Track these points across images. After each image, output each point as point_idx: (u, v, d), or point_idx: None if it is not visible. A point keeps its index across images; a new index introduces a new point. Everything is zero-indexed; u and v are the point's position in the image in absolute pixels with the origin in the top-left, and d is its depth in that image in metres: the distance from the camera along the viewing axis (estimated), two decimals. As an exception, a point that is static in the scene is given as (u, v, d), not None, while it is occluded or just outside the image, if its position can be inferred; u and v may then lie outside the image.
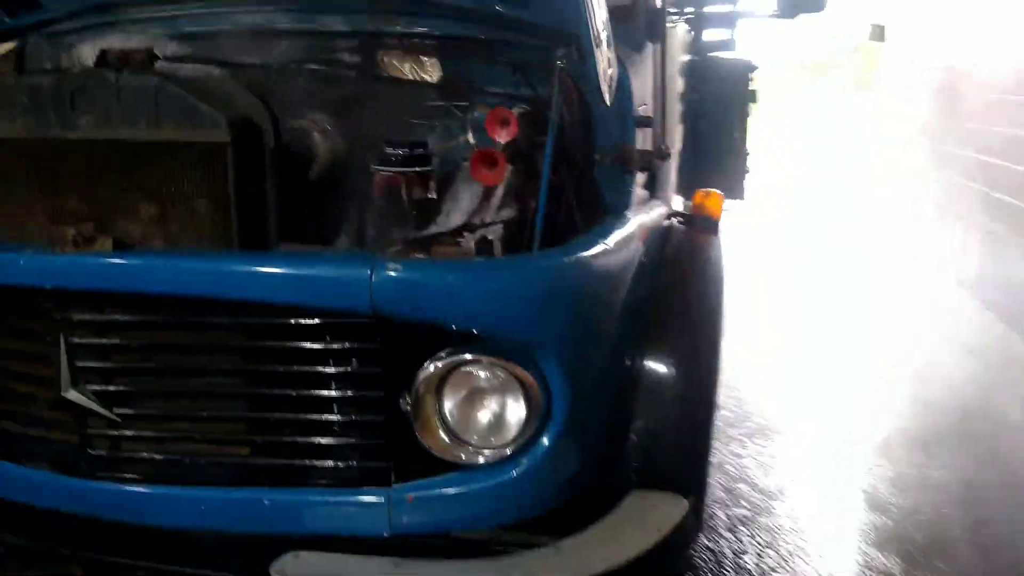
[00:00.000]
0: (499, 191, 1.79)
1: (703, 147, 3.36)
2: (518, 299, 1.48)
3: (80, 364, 1.55)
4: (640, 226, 2.00)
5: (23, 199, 1.61)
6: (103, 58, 1.63)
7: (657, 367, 1.87)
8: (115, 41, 1.89)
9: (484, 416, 1.55)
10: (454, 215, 1.80)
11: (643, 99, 2.04)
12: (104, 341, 1.55)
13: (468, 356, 1.48)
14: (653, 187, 2.32)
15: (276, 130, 1.60)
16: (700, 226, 2.28)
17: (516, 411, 1.53)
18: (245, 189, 1.54)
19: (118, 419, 1.57)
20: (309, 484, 1.58)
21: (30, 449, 1.66)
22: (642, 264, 1.96)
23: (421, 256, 1.49)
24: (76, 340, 1.54)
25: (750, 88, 3.64)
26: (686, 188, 3.26)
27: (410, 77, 2.03)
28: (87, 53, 1.93)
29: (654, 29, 2.21)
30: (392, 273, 1.41)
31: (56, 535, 1.68)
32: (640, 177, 2.18)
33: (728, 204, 4.37)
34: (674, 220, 2.29)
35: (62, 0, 2.11)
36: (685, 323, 1.97)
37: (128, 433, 1.59)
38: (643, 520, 1.65)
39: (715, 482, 3.09)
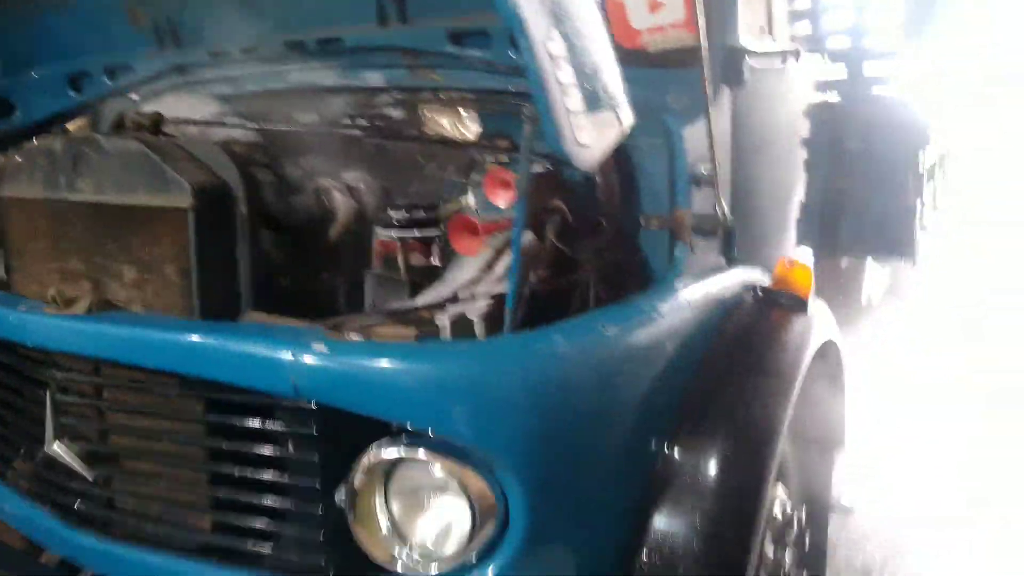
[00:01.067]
0: (503, 260, 1.61)
1: (851, 202, 2.89)
2: (456, 394, 1.27)
3: (63, 421, 1.58)
4: (690, 299, 1.71)
5: (40, 257, 1.70)
6: (119, 122, 1.69)
7: (684, 459, 1.57)
8: (169, 103, 1.97)
9: (430, 521, 1.36)
10: (453, 285, 1.64)
11: (707, 155, 1.74)
12: (80, 400, 1.57)
13: (403, 452, 1.31)
14: (730, 252, 1.99)
15: (254, 196, 1.54)
16: (782, 302, 1.91)
17: (461, 518, 1.33)
18: (210, 255, 1.49)
19: (92, 478, 1.58)
20: (257, 568, 1.48)
21: (37, 490, 1.72)
22: (687, 341, 1.67)
23: (355, 337, 1.34)
24: (59, 397, 1.58)
25: (922, 131, 3.09)
26: (821, 249, 2.82)
27: (449, 132, 1.92)
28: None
29: (731, 73, 1.91)
30: (315, 356, 1.28)
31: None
32: (708, 242, 1.88)
33: (889, 269, 3.76)
34: (754, 292, 1.94)
35: (149, 64, 2.26)
36: (729, 418, 1.64)
37: (102, 492, 1.59)
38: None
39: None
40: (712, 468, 1.58)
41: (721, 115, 1.89)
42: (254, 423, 1.40)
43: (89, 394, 1.56)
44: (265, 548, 1.46)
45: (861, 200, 2.85)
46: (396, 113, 2.00)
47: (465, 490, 1.30)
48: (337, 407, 1.31)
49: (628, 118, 1.49)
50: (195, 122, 1.86)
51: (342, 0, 1.88)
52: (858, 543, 3.30)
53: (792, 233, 2.60)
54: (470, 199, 1.65)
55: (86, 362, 1.54)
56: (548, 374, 1.35)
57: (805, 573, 2.13)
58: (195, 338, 1.36)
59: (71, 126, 2.23)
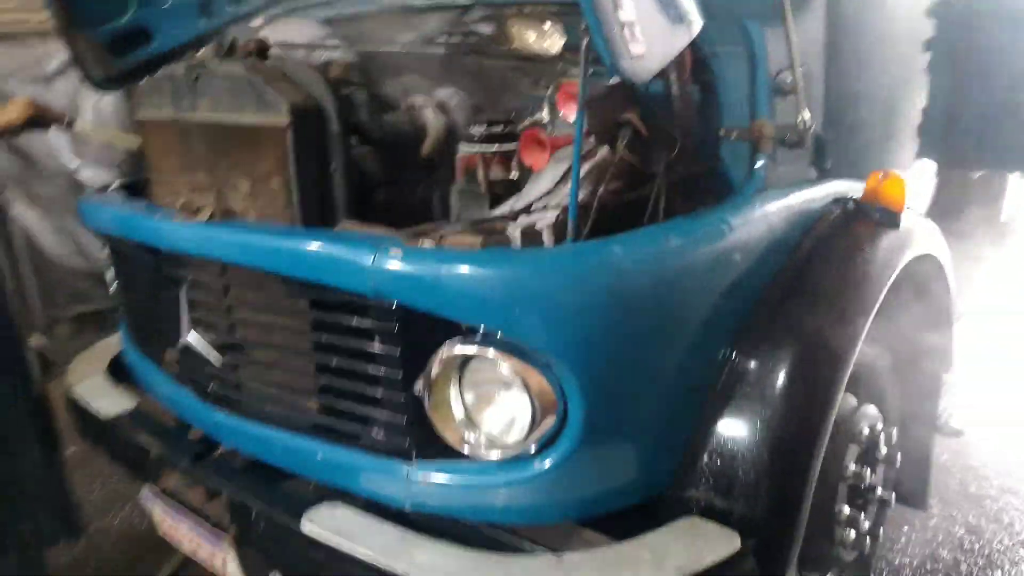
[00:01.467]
0: (552, 174, 1.67)
1: (981, 108, 2.67)
2: (516, 298, 1.38)
3: (195, 315, 1.83)
4: (767, 212, 1.71)
5: (174, 172, 1.93)
6: (231, 47, 1.86)
7: (751, 364, 1.61)
8: (278, 27, 2.13)
9: (496, 412, 1.50)
10: (530, 197, 1.72)
11: (793, 63, 1.70)
12: (208, 297, 1.80)
13: (473, 349, 1.44)
14: (822, 164, 1.94)
15: (346, 114, 1.67)
16: (872, 216, 1.85)
17: (523, 412, 1.45)
18: (306, 169, 1.65)
19: (220, 365, 1.82)
20: (355, 446, 1.68)
21: (179, 373, 2.01)
22: (761, 253, 1.68)
23: (428, 243, 1.46)
24: (191, 294, 1.82)
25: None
26: (948, 161, 2.66)
27: (534, 47, 1.96)
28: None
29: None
30: (392, 260, 1.42)
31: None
32: (796, 154, 1.84)
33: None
34: (843, 206, 1.90)
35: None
36: (803, 324, 1.65)
37: (231, 377, 1.84)
38: (668, 549, 1.46)
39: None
40: (778, 376, 1.61)
41: (813, 19, 1.82)
42: (348, 320, 1.57)
43: (215, 291, 1.79)
44: (360, 430, 1.66)
45: (994, 106, 2.63)
46: (485, 29, 2.06)
47: (527, 387, 1.42)
48: (412, 307, 1.45)
49: (694, 23, 1.49)
50: (298, 46, 2.00)
51: None
52: (975, 469, 3.21)
53: (909, 144, 2.46)
54: (543, 114, 1.71)
55: (212, 263, 1.76)
56: (607, 282, 1.43)
57: (892, 491, 2.12)
58: (292, 243, 1.54)
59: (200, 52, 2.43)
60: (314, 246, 1.50)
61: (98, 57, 2.45)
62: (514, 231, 1.55)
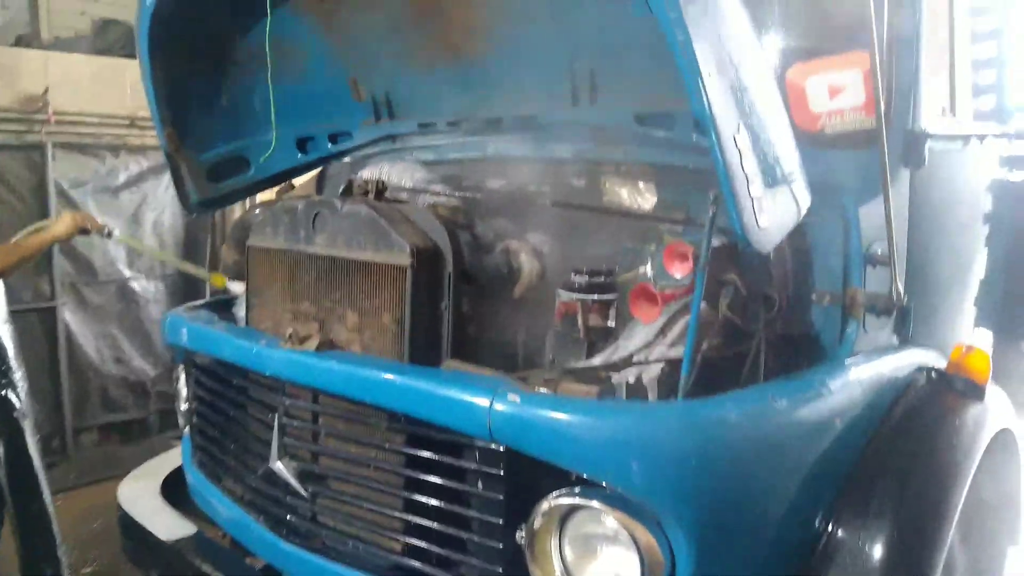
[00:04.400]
0: (676, 327, 1.72)
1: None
2: (632, 451, 1.40)
3: (286, 441, 1.84)
4: (860, 377, 1.75)
5: (278, 298, 2.00)
6: (348, 187, 1.97)
7: (848, 538, 1.60)
8: (383, 168, 2.26)
9: (599, 568, 1.48)
10: (628, 347, 1.77)
11: (882, 234, 1.79)
12: (297, 424, 1.83)
13: (580, 501, 1.44)
14: (905, 332, 1.99)
15: (458, 258, 1.75)
16: (957, 387, 1.89)
17: (630, 570, 1.44)
18: (420, 307, 1.71)
19: (307, 495, 1.81)
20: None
21: (252, 500, 2.00)
22: (855, 419, 1.70)
23: (543, 390, 1.50)
24: (284, 420, 1.84)
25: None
26: (1003, 331, 2.71)
27: (627, 202, 2.07)
28: (367, 176, 2.33)
29: (910, 155, 1.94)
30: (509, 404, 1.45)
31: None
32: (881, 321, 1.90)
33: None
34: (929, 374, 1.93)
35: (365, 131, 2.58)
36: (897, 502, 1.65)
37: (310, 508, 1.83)
38: None
39: None
40: (877, 551, 1.59)
41: (898, 196, 1.92)
42: (447, 459, 1.58)
43: (309, 420, 1.81)
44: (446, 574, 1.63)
45: None
46: (578, 183, 2.18)
47: (635, 542, 1.41)
48: (522, 452, 1.47)
49: (806, 200, 1.59)
50: (408, 189, 2.12)
51: (539, 84, 2.09)
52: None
53: (970, 314, 2.53)
54: (647, 268, 1.78)
55: (307, 392, 1.80)
56: (719, 439, 1.45)
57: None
58: (406, 380, 1.58)
59: (297, 186, 2.57)
60: (431, 386, 1.54)
61: (198, 181, 2.59)
62: (620, 381, 1.59)
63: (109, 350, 4.90)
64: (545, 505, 1.47)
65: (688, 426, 1.43)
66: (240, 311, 2.51)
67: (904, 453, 1.72)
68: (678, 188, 2.01)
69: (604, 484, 1.43)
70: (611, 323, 1.81)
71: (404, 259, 1.69)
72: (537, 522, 1.48)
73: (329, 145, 2.69)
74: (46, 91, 4.39)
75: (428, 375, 1.58)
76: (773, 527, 1.56)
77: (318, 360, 1.74)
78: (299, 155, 2.75)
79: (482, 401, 1.47)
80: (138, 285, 4.98)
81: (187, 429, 2.40)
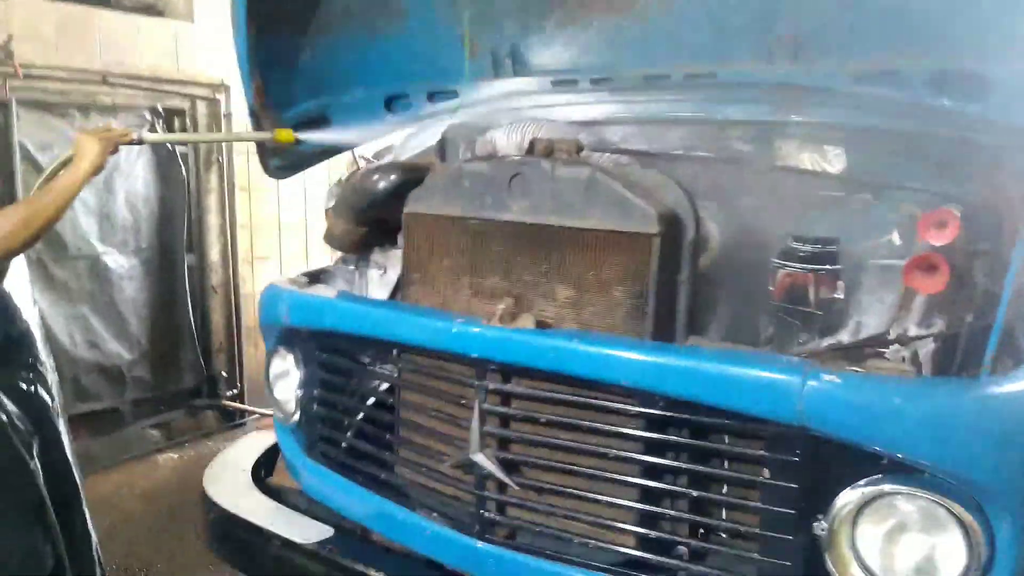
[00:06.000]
0: (922, 300, 1.62)
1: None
2: (970, 430, 1.29)
3: (487, 430, 1.63)
4: None
5: (451, 271, 1.77)
6: (532, 147, 1.75)
7: None
8: (529, 129, 2.04)
9: (909, 558, 1.37)
10: (866, 322, 1.66)
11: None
12: (510, 411, 1.62)
13: (903, 488, 1.32)
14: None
15: (697, 224, 1.59)
16: None
17: (951, 558, 1.33)
18: (664, 280, 1.54)
19: (515, 487, 1.62)
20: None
21: (430, 502, 1.78)
22: None
23: (856, 368, 1.36)
24: (487, 407, 1.63)
25: None
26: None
27: (809, 167, 1.94)
28: (500, 139, 2.10)
29: None
30: (826, 385, 1.31)
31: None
32: None
33: None
34: None
35: (479, 89, 2.35)
36: None
37: (520, 501, 1.64)
38: None
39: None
40: None
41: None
42: (723, 446, 1.43)
43: (520, 407, 1.61)
44: (701, 567, 1.49)
45: None
46: (746, 147, 2.03)
47: (961, 527, 1.31)
48: (832, 435, 1.34)
49: None
50: (616, 150, 1.90)
51: (727, 39, 1.93)
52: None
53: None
54: (895, 237, 1.67)
55: (521, 374, 1.60)
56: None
57: None
58: (694, 361, 1.41)
59: (419, 159, 2.30)
60: (727, 366, 1.38)
61: (278, 143, 2.31)
62: (901, 358, 1.48)
63: (81, 333, 4.41)
64: (855, 493, 1.34)
65: (1014, 402, 1.33)
66: (336, 284, 2.26)
67: None
68: (870, 152, 1.89)
69: (922, 469, 1.32)
70: (840, 295, 1.69)
71: (650, 227, 1.51)
72: (845, 511, 1.35)
73: (427, 104, 2.43)
74: (10, 39, 3.85)
75: (719, 356, 1.42)
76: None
77: (551, 339, 1.53)
78: (387, 114, 2.49)
79: (793, 381, 1.32)
80: (112, 260, 4.49)
81: (293, 419, 2.13)
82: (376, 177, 2.09)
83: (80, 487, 2.41)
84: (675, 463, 1.48)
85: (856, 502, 1.35)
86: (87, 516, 2.41)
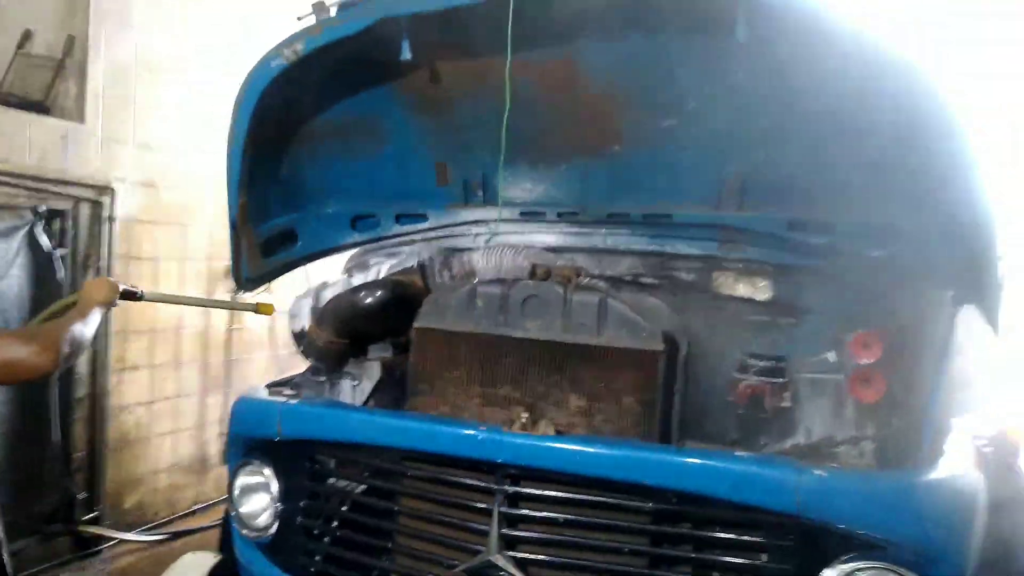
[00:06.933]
0: (863, 407, 1.97)
1: None
2: (929, 510, 1.59)
3: (505, 532, 1.75)
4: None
5: (457, 384, 1.92)
6: (534, 271, 1.99)
7: None
8: (507, 253, 2.28)
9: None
10: (812, 427, 1.98)
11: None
12: (532, 512, 1.76)
13: (875, 564, 1.60)
14: None
15: (689, 343, 1.87)
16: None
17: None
18: (667, 391, 1.79)
19: (531, 588, 1.74)
20: None
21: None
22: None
23: (834, 465, 1.66)
24: (505, 510, 1.75)
25: None
26: None
27: (742, 295, 2.31)
28: (478, 261, 2.33)
29: None
30: (817, 478, 1.58)
31: None
32: None
33: None
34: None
35: (447, 215, 2.57)
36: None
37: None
38: None
39: None
40: None
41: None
42: (721, 535, 1.65)
43: (538, 509, 1.75)
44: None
45: None
46: (687, 277, 2.38)
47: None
48: (823, 523, 1.60)
49: None
50: (608, 278, 2.15)
51: (683, 186, 2.28)
52: None
53: None
54: (831, 355, 2.03)
55: (539, 478, 1.75)
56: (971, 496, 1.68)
57: None
58: (704, 461, 1.64)
59: (401, 276, 2.43)
60: (732, 464, 1.61)
61: (252, 255, 2.41)
62: (855, 455, 1.80)
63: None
64: (836, 569, 1.60)
65: (951, 486, 1.66)
66: (308, 394, 2.32)
67: None
68: (793, 286, 2.28)
69: (895, 550, 1.59)
70: (789, 404, 2.01)
71: (657, 344, 1.76)
72: (836, 587, 1.60)
73: (395, 226, 2.61)
74: None
75: (722, 456, 1.65)
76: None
77: (573, 444, 1.70)
78: (352, 232, 2.64)
79: (789, 476, 1.58)
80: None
81: (267, 533, 2.11)
82: (364, 293, 2.22)
83: None
84: (690, 554, 1.67)
85: (838, 576, 1.61)
86: None
